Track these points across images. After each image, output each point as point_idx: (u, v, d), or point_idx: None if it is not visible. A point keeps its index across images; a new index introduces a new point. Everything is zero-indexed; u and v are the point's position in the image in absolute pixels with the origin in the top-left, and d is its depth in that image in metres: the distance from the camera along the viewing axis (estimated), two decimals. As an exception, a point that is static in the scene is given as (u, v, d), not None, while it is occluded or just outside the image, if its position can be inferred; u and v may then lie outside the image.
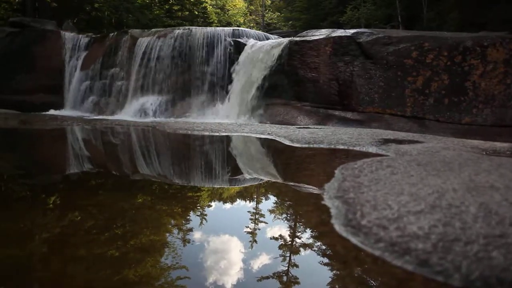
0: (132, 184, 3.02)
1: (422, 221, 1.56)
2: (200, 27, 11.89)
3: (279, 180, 3.03)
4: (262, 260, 1.54)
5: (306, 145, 4.42)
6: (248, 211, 2.29)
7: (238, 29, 11.79)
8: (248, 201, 2.56)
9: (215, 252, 1.63)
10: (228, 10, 32.68)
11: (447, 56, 8.35)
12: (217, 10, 30.07)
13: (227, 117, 10.37)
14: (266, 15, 34.23)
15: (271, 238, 1.79)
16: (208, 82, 11.10)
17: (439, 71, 8.42)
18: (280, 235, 1.81)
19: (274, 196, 2.68)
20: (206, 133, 5.96)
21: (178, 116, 10.51)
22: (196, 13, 24.59)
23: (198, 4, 24.71)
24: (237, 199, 2.63)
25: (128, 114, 10.83)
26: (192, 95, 11.10)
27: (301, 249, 1.62)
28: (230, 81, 10.89)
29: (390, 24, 18.09)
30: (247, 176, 3.24)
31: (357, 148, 4.15)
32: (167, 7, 22.78)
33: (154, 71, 11.36)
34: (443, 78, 8.40)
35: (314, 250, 1.61)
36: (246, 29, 12.82)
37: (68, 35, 12.91)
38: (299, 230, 1.85)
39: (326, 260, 1.52)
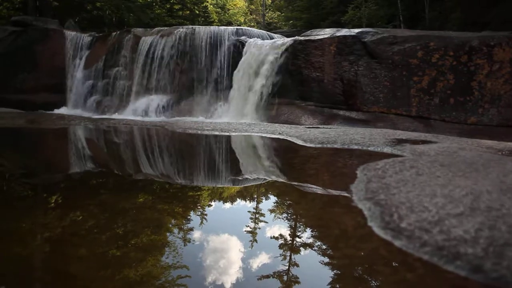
0: (150, 184, 2.98)
1: (466, 224, 1.53)
2: (203, 26, 11.83)
3: (301, 183, 2.95)
4: (302, 263, 1.51)
5: (320, 145, 4.38)
6: (281, 214, 2.24)
7: (241, 28, 11.74)
8: (277, 204, 2.52)
9: (275, 256, 1.59)
10: (229, 10, 32.58)
11: (453, 55, 8.32)
12: (217, 9, 29.98)
13: (231, 116, 10.32)
14: (267, 14, 34.17)
15: (310, 242, 1.74)
16: (212, 81, 11.06)
17: (445, 70, 8.40)
18: (320, 238, 1.76)
19: (303, 198, 2.62)
20: (216, 133, 5.91)
21: (182, 116, 10.45)
22: (197, 12, 24.51)
23: (199, 3, 24.67)
24: (266, 202, 2.58)
25: (131, 113, 10.77)
26: (196, 94, 11.05)
27: (346, 252, 1.57)
28: (234, 80, 10.84)
29: (392, 23, 18.05)
30: (269, 178, 3.17)
31: (371, 149, 4.12)
32: (168, 6, 22.70)
33: (158, 70, 11.30)
34: (448, 78, 8.38)
35: (360, 254, 1.56)
36: (250, 28, 12.79)
37: (71, 34, 12.81)
38: (339, 233, 1.80)
39: (374, 264, 1.48)
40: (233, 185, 3.04)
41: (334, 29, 10.42)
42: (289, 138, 5.08)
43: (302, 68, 10.16)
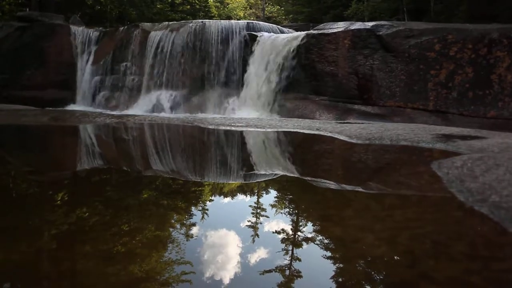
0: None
1: None
2: (213, 21, 11.66)
3: (388, 185, 2.73)
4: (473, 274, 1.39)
5: (368, 142, 4.27)
6: (406, 219, 2.06)
7: (252, 22, 11.59)
8: (395, 208, 2.31)
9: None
10: (228, 4, 32.26)
11: (472, 48, 8.26)
12: (216, 3, 29.65)
13: (244, 111, 10.19)
14: (266, 8, 33.87)
15: (466, 251, 1.57)
16: (223, 76, 10.90)
17: (463, 64, 8.33)
18: (472, 246, 1.59)
19: (407, 201, 2.40)
20: (252, 129, 5.78)
21: (194, 111, 10.29)
22: (198, 6, 24.26)
23: (199, -3, 24.42)
24: (366, 205, 2.42)
25: (142, 109, 10.59)
26: (207, 89, 10.89)
27: None
28: (246, 75, 10.69)
29: (395, 17, 17.95)
30: (350, 186, 2.95)
31: (423, 145, 4.02)
32: (169, 0, 22.45)
33: (168, 65, 11.11)
34: (467, 71, 8.32)
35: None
36: (260, 22, 12.62)
37: (78, 30, 12.57)
38: (483, 240, 1.68)
39: None
40: (315, 190, 2.89)
41: (348, 23, 10.30)
42: (330, 134, 4.95)
43: (316, 62, 10.03)
